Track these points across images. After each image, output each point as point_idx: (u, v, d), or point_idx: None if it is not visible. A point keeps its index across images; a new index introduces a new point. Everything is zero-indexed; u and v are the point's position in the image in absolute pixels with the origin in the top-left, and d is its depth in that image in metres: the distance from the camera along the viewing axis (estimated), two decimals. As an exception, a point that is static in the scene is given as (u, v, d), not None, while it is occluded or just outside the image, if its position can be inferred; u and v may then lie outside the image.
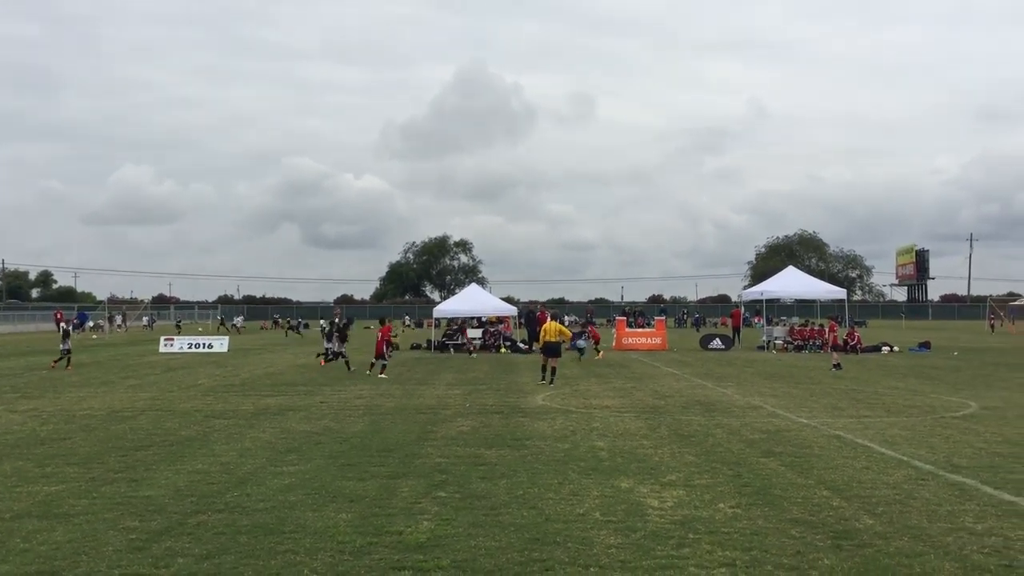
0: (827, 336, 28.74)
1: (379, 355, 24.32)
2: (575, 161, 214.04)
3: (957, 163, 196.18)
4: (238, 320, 72.97)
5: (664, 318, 48.19)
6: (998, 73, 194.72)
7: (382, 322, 25.55)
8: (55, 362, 27.86)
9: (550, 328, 22.37)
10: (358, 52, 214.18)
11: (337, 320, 31.10)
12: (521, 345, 36.92)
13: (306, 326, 66.25)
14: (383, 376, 23.41)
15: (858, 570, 6.59)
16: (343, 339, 27.21)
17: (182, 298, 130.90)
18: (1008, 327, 60.49)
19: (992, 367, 27.17)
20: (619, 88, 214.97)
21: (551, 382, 21.34)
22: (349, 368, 25.75)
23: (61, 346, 28.25)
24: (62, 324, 30.59)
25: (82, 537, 7.59)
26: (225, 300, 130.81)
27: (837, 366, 25.64)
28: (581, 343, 32.51)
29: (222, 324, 69.34)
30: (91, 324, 68.21)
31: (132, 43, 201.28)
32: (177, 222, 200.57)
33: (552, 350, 21.83)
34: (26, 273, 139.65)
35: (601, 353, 32.46)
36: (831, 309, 58.36)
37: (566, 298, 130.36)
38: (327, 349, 28.84)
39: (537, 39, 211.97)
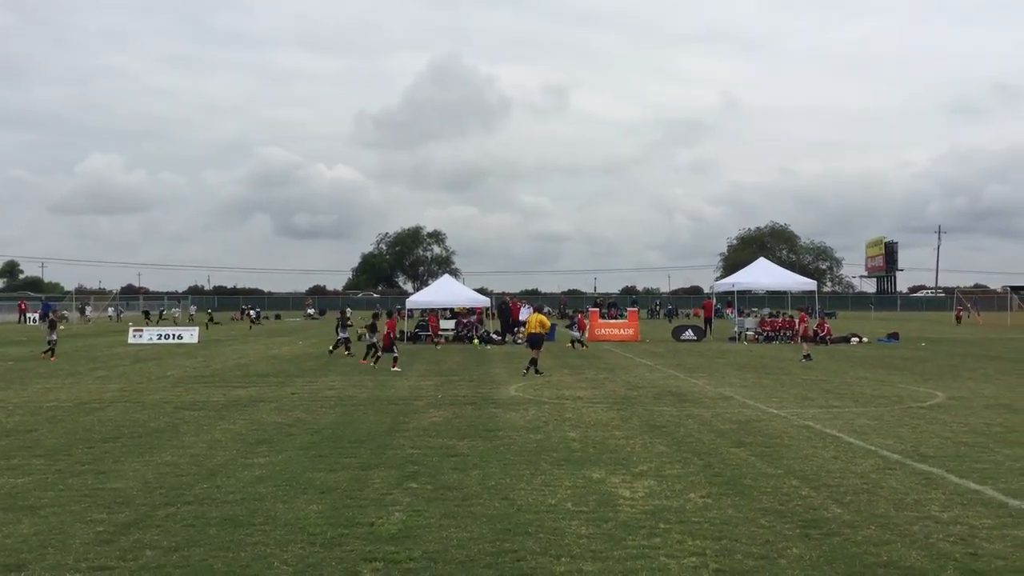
0: (798, 327, 28.99)
1: (388, 347, 23.97)
2: (549, 153, 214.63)
3: (927, 157, 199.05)
4: (176, 311, 68.61)
5: (637, 309, 48.36)
6: (969, 68, 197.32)
7: (389, 315, 25.73)
8: (44, 353, 27.59)
9: (533, 320, 22.55)
10: (331, 41, 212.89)
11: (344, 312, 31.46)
12: (494, 336, 36.92)
13: (277, 316, 65.62)
14: (396, 369, 22.90)
15: (826, 558, 6.65)
16: (373, 330, 27.47)
17: (152, 289, 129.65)
18: (975, 319, 61.33)
19: (959, 358, 27.54)
20: (593, 80, 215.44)
21: (530, 371, 21.45)
22: (377, 358, 25.42)
23: (49, 337, 28.11)
24: (49, 316, 30.05)
25: (48, 530, 7.50)
26: (196, 291, 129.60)
27: (807, 357, 25.89)
28: (576, 333, 32.59)
29: (161, 316, 65.13)
30: (63, 314, 67.23)
31: (101, 30, 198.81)
32: (147, 212, 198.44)
33: (535, 341, 21.94)
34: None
35: (584, 345, 32.48)
36: (802, 300, 58.90)
37: (539, 289, 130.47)
38: (342, 340, 29.00)
39: (512, 30, 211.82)
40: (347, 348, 28.76)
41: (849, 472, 9.79)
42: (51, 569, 6.47)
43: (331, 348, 29.38)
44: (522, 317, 38.54)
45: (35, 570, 6.46)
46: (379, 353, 24.76)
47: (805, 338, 27.59)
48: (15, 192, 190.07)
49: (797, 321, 30.26)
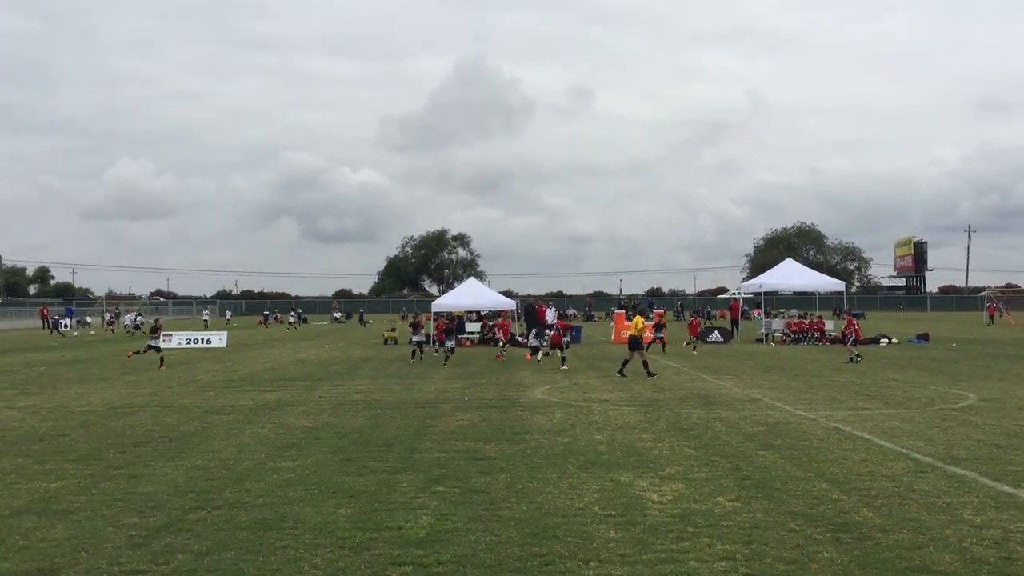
0: (848, 332, 28.11)
1: (556, 344, 25.67)
2: (573, 154, 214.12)
3: (956, 154, 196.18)
4: (129, 318, 60.11)
5: (663, 310, 48.16)
6: (998, 64, 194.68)
7: (560, 316, 26.88)
8: (161, 364, 25.93)
9: (635, 322, 23.01)
10: (356, 44, 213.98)
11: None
12: (520, 339, 36.88)
13: (304, 320, 65.69)
14: (564, 368, 24.03)
15: (858, 563, 6.59)
16: (417, 328, 28.92)
17: (181, 293, 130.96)
18: (1007, 318, 60.52)
19: (990, 359, 27.18)
20: (618, 80, 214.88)
21: (648, 374, 21.33)
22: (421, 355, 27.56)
23: (151, 342, 27.00)
24: (138, 318, 28.90)
25: (81, 534, 7.59)
26: (224, 295, 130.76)
27: (852, 359, 25.52)
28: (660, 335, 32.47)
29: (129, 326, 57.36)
30: (87, 320, 67.79)
31: (129, 36, 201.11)
32: (175, 217, 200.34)
33: (634, 344, 22.06)
34: (24, 269, 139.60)
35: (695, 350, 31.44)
36: (830, 301, 58.37)
37: (564, 291, 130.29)
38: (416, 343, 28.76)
39: (535, 31, 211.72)
40: (419, 353, 27.99)
41: (880, 475, 9.69)
42: (84, 573, 6.55)
43: (413, 358, 27.95)
44: (548, 319, 38.58)
45: (69, 574, 6.53)
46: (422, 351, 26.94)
47: (856, 341, 27.06)
48: (46, 198, 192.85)
49: (845, 326, 29.24)
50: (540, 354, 26.69)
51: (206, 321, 65.36)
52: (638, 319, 23.25)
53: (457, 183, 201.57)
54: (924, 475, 9.67)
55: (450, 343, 27.10)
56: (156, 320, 31.76)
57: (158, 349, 26.76)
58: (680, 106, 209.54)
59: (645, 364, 21.72)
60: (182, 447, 12.00)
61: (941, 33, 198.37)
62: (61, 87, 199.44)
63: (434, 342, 29.67)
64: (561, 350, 25.37)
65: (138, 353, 27.01)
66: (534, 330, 29.33)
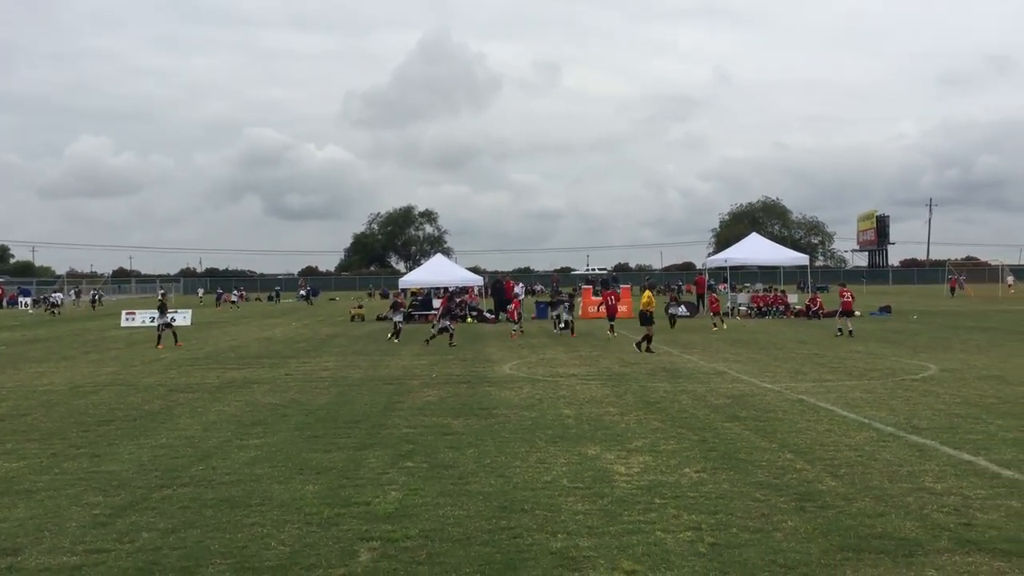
0: (813, 303, 27.83)
1: (612, 315, 27.89)
2: (540, 130, 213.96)
3: (918, 129, 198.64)
4: (57, 296, 55.40)
5: (629, 286, 48.35)
6: (960, 39, 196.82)
7: (529, 292, 27.56)
8: (176, 343, 25.67)
9: (644, 297, 23.38)
10: (319, 19, 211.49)
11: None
12: (487, 315, 36.91)
13: (271, 298, 65.19)
14: (613, 335, 26.40)
15: (821, 531, 6.68)
16: (396, 308, 27.99)
17: (143, 272, 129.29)
18: (967, 291, 61.50)
19: (951, 330, 27.62)
20: (584, 56, 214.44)
21: (647, 349, 21.37)
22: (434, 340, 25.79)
23: (161, 321, 26.16)
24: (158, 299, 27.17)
25: (44, 513, 7.49)
26: (188, 273, 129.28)
27: (849, 332, 25.56)
28: (678, 311, 32.25)
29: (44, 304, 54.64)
30: (39, 300, 66.56)
31: (89, 12, 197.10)
32: (137, 194, 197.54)
33: (645, 319, 22.21)
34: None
35: (724, 324, 30.50)
36: (794, 275, 58.95)
37: (532, 267, 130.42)
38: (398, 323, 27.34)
39: (501, 6, 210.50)
40: (396, 334, 26.58)
41: (843, 445, 9.83)
42: (47, 553, 6.47)
43: (391, 335, 26.80)
44: (516, 293, 38.62)
45: (31, 554, 6.45)
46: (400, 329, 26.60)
47: (844, 313, 27.03)
48: (4, 176, 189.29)
49: (840, 296, 28.87)
50: (566, 331, 28.06)
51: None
52: (647, 293, 23.46)
53: (423, 159, 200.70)
54: (886, 444, 9.83)
55: (446, 321, 25.84)
56: (162, 295, 30.79)
57: (168, 325, 26.34)
58: (647, 82, 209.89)
59: (648, 339, 21.80)
60: (147, 426, 11.88)
61: (904, 9, 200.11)
62: (20, 63, 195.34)
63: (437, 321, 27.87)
64: (612, 320, 27.65)
65: (160, 340, 25.79)
66: (563, 304, 29.51)
